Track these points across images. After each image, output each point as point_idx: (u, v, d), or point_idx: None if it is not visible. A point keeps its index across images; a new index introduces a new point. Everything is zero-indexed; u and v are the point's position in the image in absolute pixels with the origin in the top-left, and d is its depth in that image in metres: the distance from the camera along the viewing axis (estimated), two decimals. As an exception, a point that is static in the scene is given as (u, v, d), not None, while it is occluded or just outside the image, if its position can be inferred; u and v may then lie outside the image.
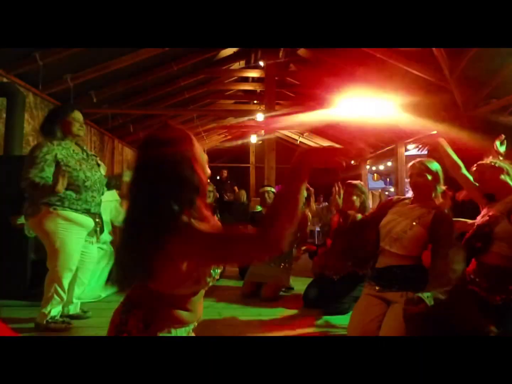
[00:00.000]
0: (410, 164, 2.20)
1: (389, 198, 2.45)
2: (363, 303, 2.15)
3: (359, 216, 2.77)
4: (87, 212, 2.58)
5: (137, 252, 1.00)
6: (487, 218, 1.95)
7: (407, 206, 2.17)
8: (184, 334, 1.16)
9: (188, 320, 1.14)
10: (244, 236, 0.99)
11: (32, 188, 2.42)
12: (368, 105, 5.75)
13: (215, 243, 0.98)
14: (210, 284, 1.14)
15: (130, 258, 1.03)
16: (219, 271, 1.15)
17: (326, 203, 8.50)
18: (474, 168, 2.13)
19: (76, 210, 2.52)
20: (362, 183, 3.39)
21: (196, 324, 1.20)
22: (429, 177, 2.09)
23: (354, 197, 3.15)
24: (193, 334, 1.23)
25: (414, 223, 2.04)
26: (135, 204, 1.02)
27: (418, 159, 2.21)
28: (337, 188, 2.83)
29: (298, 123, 7.59)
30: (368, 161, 10.06)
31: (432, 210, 2.06)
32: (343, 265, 2.51)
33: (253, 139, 10.44)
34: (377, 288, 2.10)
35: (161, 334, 1.10)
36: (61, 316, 2.61)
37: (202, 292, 1.18)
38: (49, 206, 2.45)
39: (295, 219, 0.91)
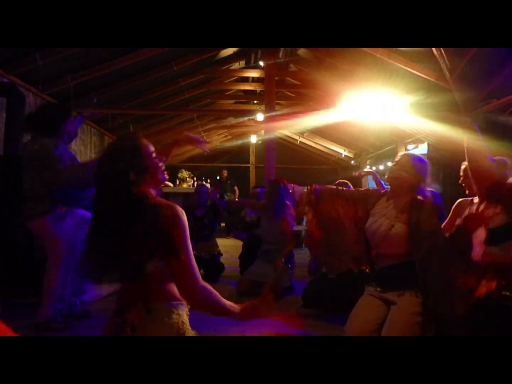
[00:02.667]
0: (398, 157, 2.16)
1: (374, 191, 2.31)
2: (362, 303, 2.15)
3: None
4: (88, 208, 2.61)
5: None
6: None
7: (385, 204, 2.13)
8: (185, 315, 1.19)
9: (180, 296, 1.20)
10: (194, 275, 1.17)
11: (67, 183, 2.42)
12: (368, 105, 5.75)
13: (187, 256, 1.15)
14: None
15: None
16: None
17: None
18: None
19: (80, 207, 2.55)
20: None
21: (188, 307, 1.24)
22: (411, 173, 2.05)
23: None
24: (194, 334, 1.23)
25: (394, 222, 2.02)
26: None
27: (404, 153, 2.16)
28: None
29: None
30: (368, 161, 10.06)
31: (406, 204, 2.02)
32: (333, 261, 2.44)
33: (253, 139, 10.43)
34: (378, 289, 2.10)
35: (165, 316, 1.12)
36: (61, 316, 2.61)
37: None
38: (57, 205, 2.46)
39: None
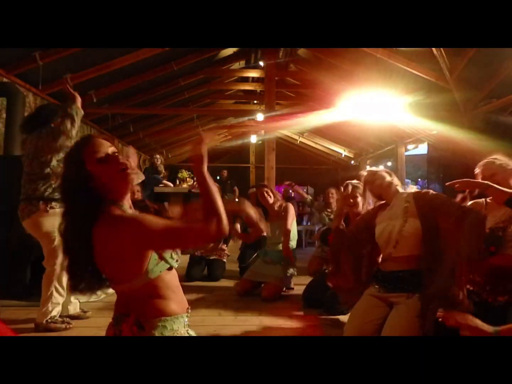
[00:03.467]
0: (364, 179, 2.33)
1: (368, 209, 2.42)
2: (363, 303, 2.15)
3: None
4: None
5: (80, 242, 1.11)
6: (501, 221, 1.91)
7: (389, 209, 2.20)
8: (182, 327, 1.18)
9: (175, 309, 1.17)
10: (190, 229, 1.12)
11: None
12: (368, 105, 5.75)
13: (165, 234, 1.09)
14: (174, 264, 1.21)
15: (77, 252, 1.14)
16: (179, 252, 1.26)
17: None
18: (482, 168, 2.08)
19: None
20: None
21: (188, 315, 1.23)
22: (387, 176, 2.24)
23: (358, 198, 3.10)
24: (193, 333, 1.23)
25: (405, 218, 2.06)
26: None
27: (366, 173, 2.35)
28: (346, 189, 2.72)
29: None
30: (368, 161, 10.07)
31: (409, 198, 2.12)
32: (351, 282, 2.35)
33: (253, 139, 10.43)
34: (381, 290, 2.10)
35: (156, 332, 1.11)
36: (60, 316, 2.61)
37: (174, 276, 1.23)
38: (46, 204, 2.47)
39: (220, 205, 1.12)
